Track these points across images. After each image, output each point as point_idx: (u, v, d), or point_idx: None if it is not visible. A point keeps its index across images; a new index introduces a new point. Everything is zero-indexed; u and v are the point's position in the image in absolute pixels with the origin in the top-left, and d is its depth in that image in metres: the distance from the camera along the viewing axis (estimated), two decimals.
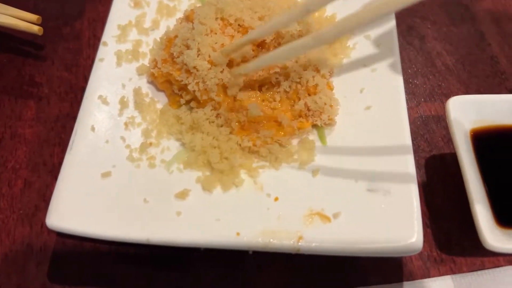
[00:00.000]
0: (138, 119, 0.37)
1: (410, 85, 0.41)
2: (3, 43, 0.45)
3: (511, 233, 0.31)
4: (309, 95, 0.36)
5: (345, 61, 0.40)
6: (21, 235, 0.35)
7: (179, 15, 0.43)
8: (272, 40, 0.37)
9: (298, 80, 0.36)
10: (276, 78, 0.37)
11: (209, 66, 0.35)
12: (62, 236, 0.34)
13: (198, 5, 0.43)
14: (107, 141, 0.35)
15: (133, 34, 0.41)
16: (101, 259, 0.34)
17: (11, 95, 0.42)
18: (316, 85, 0.36)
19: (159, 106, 0.38)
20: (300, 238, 0.31)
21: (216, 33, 0.37)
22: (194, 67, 0.35)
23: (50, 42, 0.45)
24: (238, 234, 0.31)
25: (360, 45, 0.40)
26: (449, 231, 0.35)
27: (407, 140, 0.34)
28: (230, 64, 0.36)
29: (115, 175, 0.34)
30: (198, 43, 0.36)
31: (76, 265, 0.34)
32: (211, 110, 0.36)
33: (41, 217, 0.35)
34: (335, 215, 0.32)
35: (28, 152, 0.39)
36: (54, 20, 0.44)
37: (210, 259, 0.33)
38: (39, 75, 0.43)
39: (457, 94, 0.41)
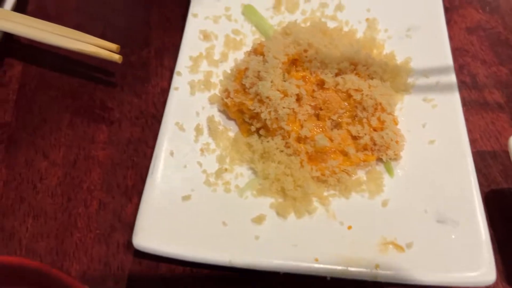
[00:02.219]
0: (212, 146, 0.39)
1: (466, 121, 0.43)
2: (74, 69, 0.47)
3: None
4: (375, 130, 0.38)
5: (406, 97, 0.42)
6: (98, 254, 0.36)
7: (245, 48, 0.45)
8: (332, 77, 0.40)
9: (365, 115, 0.39)
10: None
11: (281, 95, 0.37)
12: (139, 256, 0.36)
13: (262, 39, 0.46)
14: (185, 166, 0.37)
15: (204, 65, 0.43)
16: (177, 281, 0.35)
17: (83, 118, 0.44)
18: (384, 121, 0.38)
19: (230, 134, 0.40)
20: (377, 266, 0.32)
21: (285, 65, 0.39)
22: (267, 97, 0.37)
23: (119, 69, 0.47)
24: (316, 259, 0.32)
25: (419, 82, 0.43)
26: None
27: (472, 174, 0.36)
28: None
29: (194, 198, 0.35)
30: (272, 76, 0.38)
31: (153, 285, 0.35)
32: (281, 139, 0.38)
33: (117, 237, 0.37)
34: (408, 245, 0.33)
35: (102, 174, 0.40)
36: (122, 48, 0.47)
37: (286, 284, 0.34)
38: (110, 100, 0.45)
39: (510, 131, 0.43)
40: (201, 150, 0.38)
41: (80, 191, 0.39)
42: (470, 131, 0.43)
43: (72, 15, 0.52)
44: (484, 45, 0.50)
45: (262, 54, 0.41)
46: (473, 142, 0.43)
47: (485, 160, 0.42)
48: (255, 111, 0.38)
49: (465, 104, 0.45)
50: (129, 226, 0.36)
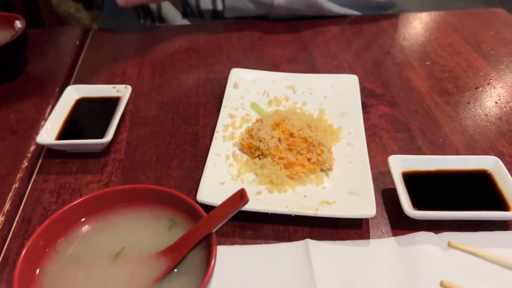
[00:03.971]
0: (235, 164, 0.74)
1: (372, 158, 0.78)
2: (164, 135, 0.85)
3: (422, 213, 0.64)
4: (319, 155, 0.74)
5: (338, 143, 0.78)
6: None
7: (253, 120, 0.83)
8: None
9: (313, 149, 0.74)
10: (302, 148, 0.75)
11: (270, 138, 0.74)
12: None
13: (259, 117, 0.84)
14: (221, 171, 0.72)
15: (230, 129, 0.80)
16: None
17: (166, 158, 0.80)
18: (323, 150, 0.74)
19: (244, 159, 0.76)
20: (317, 209, 0.64)
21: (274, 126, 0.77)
22: (264, 138, 0.74)
23: (175, 137, 0.85)
24: (287, 207, 0.65)
25: (345, 137, 0.79)
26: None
27: (369, 174, 0.70)
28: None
29: (226, 184, 0.69)
30: (266, 130, 0.75)
31: None
32: (271, 159, 0.73)
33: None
34: (333, 202, 0.66)
35: (176, 182, 0.75)
36: (183, 125, 0.85)
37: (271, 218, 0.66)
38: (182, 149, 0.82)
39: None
40: (229, 165, 0.73)
41: None
42: (375, 162, 0.78)
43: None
44: (388, 123, 0.87)
45: (261, 121, 0.79)
46: (376, 167, 0.77)
47: (383, 175, 0.75)
48: (257, 146, 0.74)
49: (373, 149, 0.81)
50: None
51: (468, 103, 0.92)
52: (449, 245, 0.62)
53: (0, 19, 0.97)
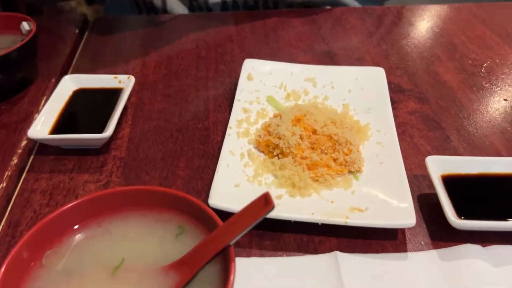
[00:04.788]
0: (250, 163, 0.65)
1: (405, 159, 0.69)
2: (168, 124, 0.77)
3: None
4: (346, 155, 0.65)
5: (366, 142, 0.70)
6: None
7: (270, 115, 0.75)
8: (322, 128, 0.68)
9: (340, 147, 0.66)
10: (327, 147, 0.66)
11: (291, 134, 0.65)
12: None
13: (276, 111, 0.76)
14: (235, 171, 0.63)
15: (244, 124, 0.72)
16: None
17: (173, 156, 0.71)
18: (351, 149, 0.65)
19: (261, 158, 0.67)
20: (347, 217, 0.56)
21: (294, 121, 0.68)
22: (284, 135, 0.65)
23: (183, 133, 0.76)
24: (312, 214, 0.56)
25: (374, 134, 0.70)
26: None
27: (404, 177, 0.61)
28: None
29: (241, 186, 0.61)
30: (285, 125, 0.66)
31: None
32: (291, 158, 0.64)
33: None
34: (365, 209, 0.57)
35: (183, 183, 0.66)
36: (192, 120, 0.76)
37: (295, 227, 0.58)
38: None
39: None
40: (244, 165, 0.65)
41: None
42: (407, 164, 0.70)
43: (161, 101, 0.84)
44: (418, 120, 0.79)
45: (280, 116, 0.70)
46: (409, 169, 0.68)
47: (417, 178, 0.67)
48: (276, 143, 0.66)
49: (404, 149, 0.72)
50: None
51: (506, 100, 0.83)
52: None
53: (3, 20, 0.86)
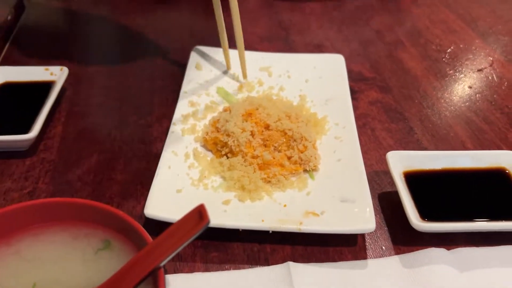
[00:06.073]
0: (196, 164, 0.58)
1: (365, 153, 0.64)
2: (103, 123, 0.68)
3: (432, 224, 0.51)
4: (301, 152, 0.59)
5: (323, 136, 0.64)
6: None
7: (219, 109, 0.67)
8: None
9: (294, 144, 0.60)
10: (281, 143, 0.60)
11: (241, 131, 0.58)
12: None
13: (227, 105, 0.69)
14: (178, 175, 0.56)
15: (191, 120, 0.65)
16: None
17: (109, 158, 0.63)
18: (306, 146, 0.59)
19: (208, 158, 0.60)
20: (301, 223, 0.50)
21: (245, 116, 0.61)
22: (232, 132, 0.58)
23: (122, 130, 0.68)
24: (263, 221, 0.50)
25: (332, 128, 0.65)
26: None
27: (363, 175, 0.56)
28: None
29: (184, 192, 0.54)
30: (235, 121, 0.60)
31: None
32: (241, 157, 0.58)
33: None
34: (321, 213, 0.52)
35: (120, 189, 0.59)
36: (134, 115, 0.68)
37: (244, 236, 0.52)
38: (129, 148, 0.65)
39: None
40: (189, 166, 0.58)
41: (103, 198, 0.57)
42: (368, 159, 0.64)
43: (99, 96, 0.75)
44: (380, 111, 0.74)
45: (229, 110, 0.63)
46: (370, 165, 0.63)
47: (378, 175, 0.62)
48: (224, 141, 0.59)
49: (364, 145, 0.67)
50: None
51: (470, 87, 0.79)
52: None
53: None
